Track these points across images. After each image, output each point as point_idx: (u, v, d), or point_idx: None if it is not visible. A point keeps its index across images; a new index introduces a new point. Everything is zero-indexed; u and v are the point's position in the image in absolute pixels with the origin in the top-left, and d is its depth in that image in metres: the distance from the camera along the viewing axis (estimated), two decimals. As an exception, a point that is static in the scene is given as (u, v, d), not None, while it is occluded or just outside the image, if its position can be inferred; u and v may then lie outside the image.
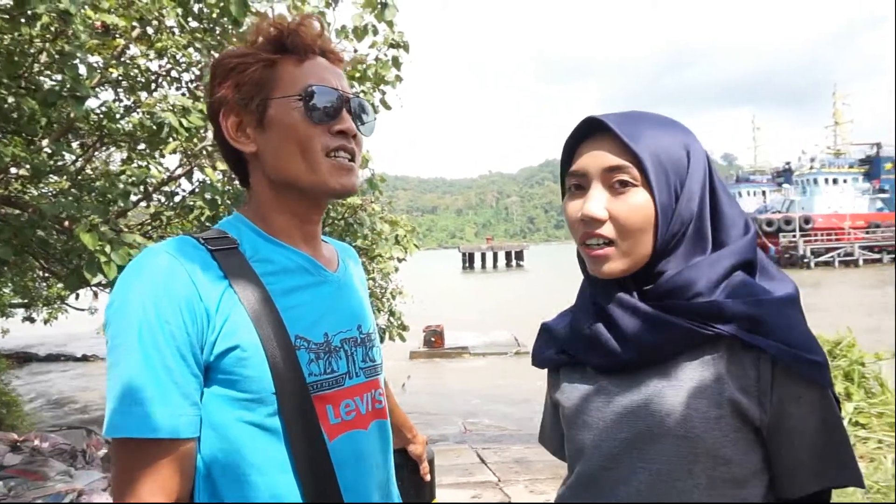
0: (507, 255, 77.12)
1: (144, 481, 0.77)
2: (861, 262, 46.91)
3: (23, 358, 15.55)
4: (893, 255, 44.20)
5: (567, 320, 0.98)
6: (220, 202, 4.09)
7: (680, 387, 0.83)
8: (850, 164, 59.11)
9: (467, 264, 73.98)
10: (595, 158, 0.87)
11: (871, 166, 58.97)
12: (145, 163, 4.31)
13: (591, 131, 0.89)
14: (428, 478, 1.32)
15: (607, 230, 0.86)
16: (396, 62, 4.58)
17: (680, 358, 0.85)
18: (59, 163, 4.39)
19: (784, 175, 64.72)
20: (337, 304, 0.97)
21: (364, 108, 0.98)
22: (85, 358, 15.94)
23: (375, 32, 4.39)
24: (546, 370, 1.06)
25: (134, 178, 3.90)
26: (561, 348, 0.96)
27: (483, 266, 74.40)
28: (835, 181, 55.94)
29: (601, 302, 0.90)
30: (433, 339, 15.82)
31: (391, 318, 6.03)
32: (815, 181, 55.03)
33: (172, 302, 0.80)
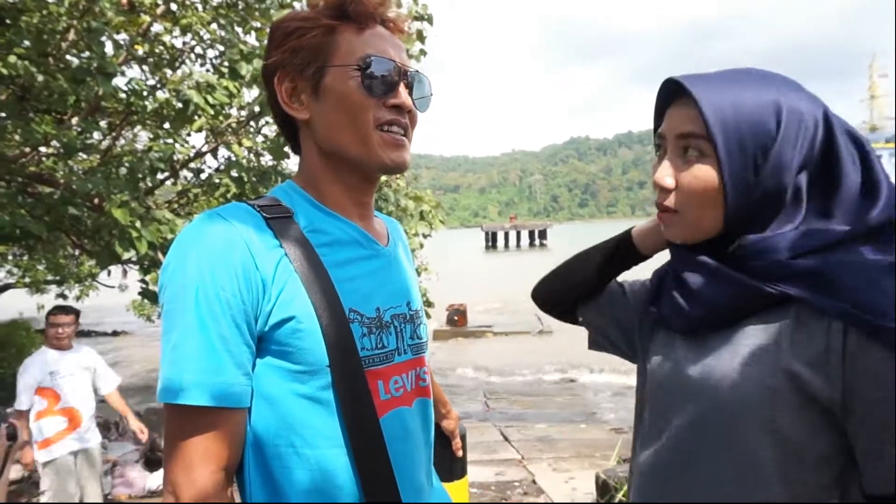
0: (531, 234, 76.91)
1: (195, 448, 0.77)
2: None
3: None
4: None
5: (661, 276, 0.97)
6: (245, 179, 4.11)
7: (738, 353, 0.78)
8: (886, 138, 57.41)
9: (490, 243, 73.95)
10: (671, 123, 0.84)
11: (909, 141, 57.24)
12: (171, 140, 4.34)
13: (677, 92, 0.85)
14: (460, 453, 1.32)
15: (672, 200, 0.84)
16: (421, 36, 4.52)
17: (747, 321, 0.79)
18: (88, 141, 4.45)
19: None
20: (388, 278, 0.94)
21: (421, 82, 0.95)
22: (115, 333, 16.37)
23: (399, 5, 4.33)
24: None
25: (160, 155, 3.93)
26: (656, 303, 0.94)
27: (506, 245, 74.30)
28: (870, 157, 54.22)
29: (675, 261, 0.89)
30: (456, 318, 15.89)
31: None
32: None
33: (229, 269, 0.78)
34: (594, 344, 1.12)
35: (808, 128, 0.79)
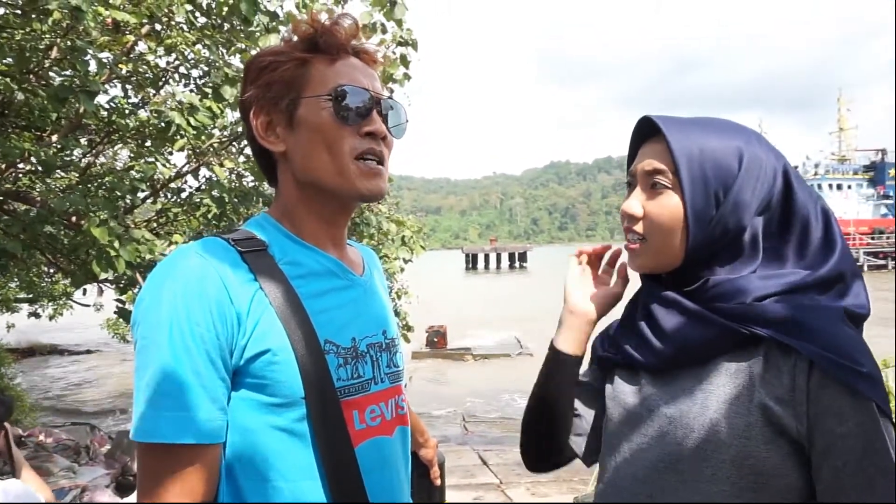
0: (511, 256, 77.21)
1: (170, 486, 0.76)
2: (866, 267, 46.84)
3: (27, 352, 15.60)
4: (899, 262, 44.08)
5: (620, 320, 1.00)
6: (227, 200, 4.09)
7: (711, 390, 0.82)
8: (854, 170, 59.04)
9: (470, 265, 74.09)
10: (642, 160, 0.92)
11: (876, 172, 58.90)
12: (153, 159, 4.31)
13: (650, 132, 0.93)
14: (438, 482, 1.32)
15: (640, 227, 0.90)
16: (404, 60, 4.56)
17: (717, 360, 0.84)
18: (68, 158, 4.40)
19: (789, 180, 64.18)
20: (364, 308, 0.96)
21: (395, 110, 0.97)
22: (89, 352, 15.99)
23: (384, 30, 4.38)
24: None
25: (141, 175, 3.90)
26: (615, 347, 0.97)
27: (486, 267, 74.49)
28: (839, 187, 55.94)
29: (646, 298, 0.93)
30: (436, 340, 15.81)
31: (396, 319, 6.00)
32: (820, 186, 55.08)
33: (203, 304, 0.78)
34: (591, 452, 1.04)
35: (766, 175, 0.87)
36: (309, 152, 0.90)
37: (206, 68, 4.38)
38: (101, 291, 6.41)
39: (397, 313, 6.04)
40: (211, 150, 4.41)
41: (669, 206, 0.87)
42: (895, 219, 55.15)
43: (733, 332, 0.82)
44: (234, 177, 4.65)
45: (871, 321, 0.87)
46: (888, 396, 0.77)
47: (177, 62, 4.44)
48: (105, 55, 3.80)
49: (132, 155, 4.66)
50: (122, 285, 3.98)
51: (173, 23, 4.03)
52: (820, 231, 0.86)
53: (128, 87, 4.39)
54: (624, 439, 0.91)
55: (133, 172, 3.96)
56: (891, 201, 57.26)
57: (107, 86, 4.02)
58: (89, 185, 4.20)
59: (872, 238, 51.26)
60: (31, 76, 3.58)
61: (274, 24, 3.89)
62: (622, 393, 0.93)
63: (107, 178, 4.13)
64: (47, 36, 3.65)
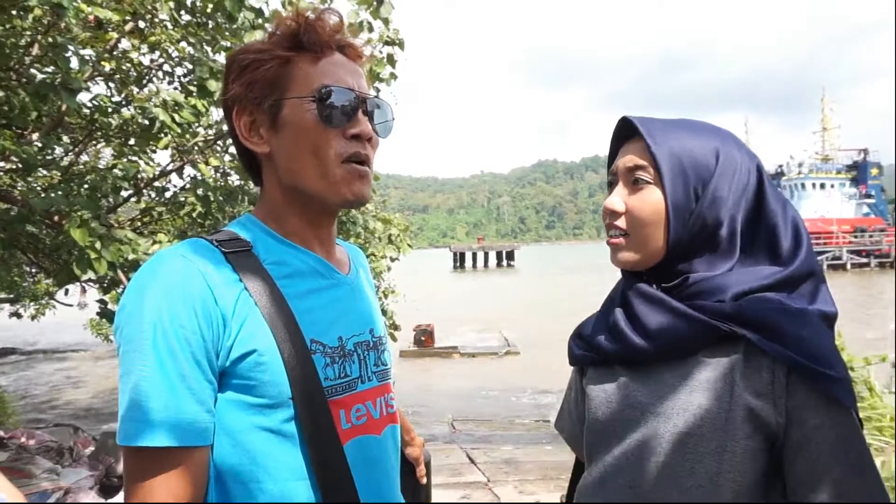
0: (498, 254, 77.30)
1: (158, 490, 0.75)
2: (849, 266, 47.53)
3: (8, 352, 15.40)
4: (891, 260, 44.90)
5: (596, 317, 1.02)
6: (212, 198, 4.05)
7: (693, 385, 0.85)
8: (837, 169, 59.86)
9: (458, 264, 74.06)
10: (623, 158, 0.94)
11: (858, 172, 59.79)
12: (136, 158, 4.27)
13: (630, 133, 0.96)
14: (424, 480, 1.32)
15: (622, 222, 0.93)
16: (391, 59, 4.55)
17: (697, 356, 0.86)
18: (49, 157, 4.34)
19: (774, 179, 65.35)
20: (350, 307, 0.95)
21: (381, 108, 0.95)
22: (73, 352, 15.80)
23: (371, 29, 4.36)
24: (578, 366, 1.08)
25: (124, 173, 3.85)
26: (589, 345, 0.98)
27: (474, 265, 74.54)
28: (822, 186, 56.72)
29: (627, 294, 0.94)
30: (423, 339, 15.80)
31: (383, 318, 5.99)
32: (803, 186, 55.83)
33: (187, 306, 0.77)
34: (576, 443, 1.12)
35: (741, 173, 0.90)
36: (293, 155, 0.89)
37: (190, 66, 4.35)
38: (84, 290, 6.34)
39: (384, 312, 6.03)
40: (196, 148, 4.37)
41: (651, 200, 0.90)
42: (877, 217, 56.16)
43: (714, 329, 0.84)
44: (219, 175, 4.62)
45: (845, 319, 0.89)
46: (855, 398, 0.80)
47: (161, 60, 4.40)
48: (87, 52, 3.75)
49: (115, 153, 4.61)
50: (105, 285, 3.93)
51: (157, 20, 3.99)
52: (790, 229, 0.90)
53: (111, 84, 4.35)
54: (606, 434, 0.92)
55: (116, 171, 3.90)
56: (872, 200, 58.20)
57: (90, 83, 3.98)
58: (71, 184, 4.15)
59: (855, 236, 52.05)
60: (12, 73, 3.53)
61: (259, 20, 3.86)
62: (602, 388, 0.95)
63: (89, 177, 4.07)
64: (28, 32, 3.60)
